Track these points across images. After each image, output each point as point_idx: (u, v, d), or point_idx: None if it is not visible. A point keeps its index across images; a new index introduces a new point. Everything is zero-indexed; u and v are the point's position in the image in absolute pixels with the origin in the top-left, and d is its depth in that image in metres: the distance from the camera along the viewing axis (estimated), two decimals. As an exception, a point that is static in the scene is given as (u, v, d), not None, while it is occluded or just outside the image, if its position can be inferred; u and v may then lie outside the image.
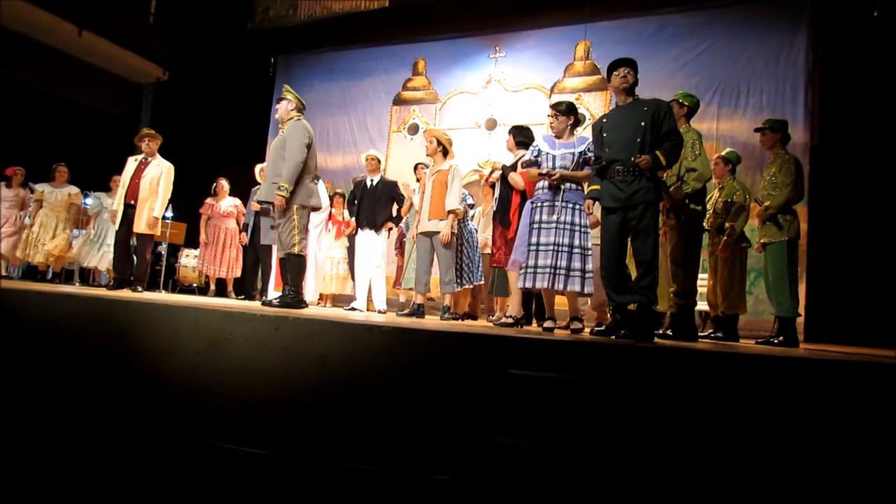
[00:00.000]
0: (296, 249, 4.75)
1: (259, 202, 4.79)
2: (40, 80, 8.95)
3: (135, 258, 6.24)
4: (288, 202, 4.70)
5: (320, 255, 7.17)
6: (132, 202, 6.05)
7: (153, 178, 6.10)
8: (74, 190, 7.72)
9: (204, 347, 3.30)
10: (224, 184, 7.90)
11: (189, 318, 3.44)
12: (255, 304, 5.54)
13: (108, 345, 3.55)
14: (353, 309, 6.27)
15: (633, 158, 3.64)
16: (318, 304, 7.44)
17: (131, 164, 6.22)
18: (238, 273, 7.88)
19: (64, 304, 3.87)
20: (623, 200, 3.67)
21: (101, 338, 3.59)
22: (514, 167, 4.91)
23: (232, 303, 5.61)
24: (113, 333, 3.55)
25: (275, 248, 6.57)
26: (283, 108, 4.98)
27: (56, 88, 9.15)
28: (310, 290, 6.84)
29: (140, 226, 6.02)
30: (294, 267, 4.81)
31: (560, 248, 3.99)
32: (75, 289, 5.73)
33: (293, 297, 4.75)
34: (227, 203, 7.86)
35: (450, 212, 5.26)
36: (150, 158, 6.21)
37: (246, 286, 7.71)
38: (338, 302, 7.71)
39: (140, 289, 6.02)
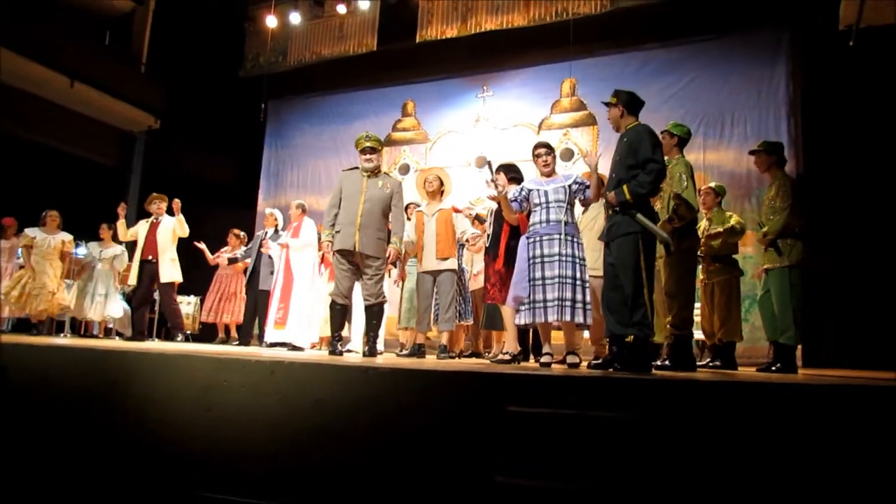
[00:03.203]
0: (384, 299, 5.07)
1: (361, 253, 4.93)
2: (32, 132, 8.99)
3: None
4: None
5: (315, 298, 7.13)
6: (150, 257, 6.90)
7: (167, 232, 6.95)
8: (67, 237, 7.45)
9: (199, 395, 3.26)
10: (232, 237, 8.16)
11: (183, 366, 3.41)
12: (250, 350, 5.49)
13: (103, 396, 3.51)
14: (350, 351, 6.22)
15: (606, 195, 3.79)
16: (314, 347, 7.39)
17: (143, 225, 7.09)
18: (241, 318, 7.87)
19: (57, 357, 3.83)
20: (605, 236, 3.83)
21: (96, 389, 3.54)
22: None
23: (226, 349, 5.57)
24: (107, 384, 3.51)
25: (275, 292, 6.56)
26: (378, 160, 5.11)
27: (48, 139, 9.19)
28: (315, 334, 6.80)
29: (164, 276, 6.87)
30: (380, 315, 5.11)
31: (564, 281, 4.01)
32: (68, 340, 5.68)
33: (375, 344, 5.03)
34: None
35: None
36: (160, 218, 7.03)
37: (243, 331, 7.65)
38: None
39: (181, 337, 7.01)
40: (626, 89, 4.02)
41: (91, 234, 7.95)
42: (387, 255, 4.94)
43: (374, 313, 4.99)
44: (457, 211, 5.64)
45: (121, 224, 7.18)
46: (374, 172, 5.05)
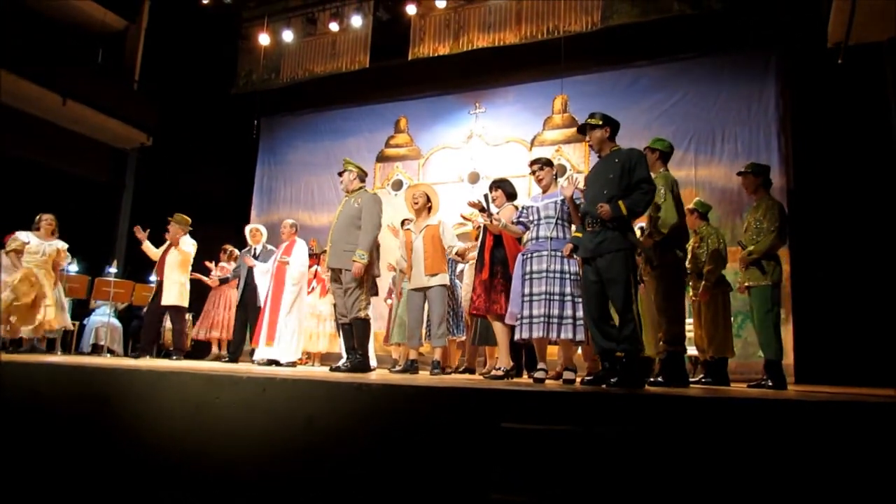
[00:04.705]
0: (363, 314, 4.93)
1: (330, 268, 5.10)
2: (24, 150, 8.96)
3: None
4: (365, 270, 4.93)
5: (305, 313, 7.10)
6: (160, 278, 6.94)
7: (174, 255, 6.93)
8: (63, 245, 6.79)
9: (190, 412, 3.23)
10: (222, 252, 8.27)
11: (175, 384, 3.38)
12: (241, 367, 5.45)
13: (93, 414, 3.47)
14: (340, 368, 6.18)
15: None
16: (304, 362, 7.35)
17: (164, 246, 7.13)
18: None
19: (47, 374, 3.79)
20: (591, 251, 3.74)
21: (86, 407, 3.51)
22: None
23: (218, 366, 5.53)
24: (98, 402, 3.48)
25: (265, 309, 6.52)
26: (347, 178, 5.22)
27: (40, 157, 9.16)
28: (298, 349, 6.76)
29: (164, 299, 6.85)
30: (361, 331, 4.97)
31: (552, 297, 4.01)
32: (58, 358, 5.63)
33: (363, 360, 4.92)
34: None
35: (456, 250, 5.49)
36: (177, 238, 6.99)
37: (233, 347, 7.57)
38: (327, 360, 7.61)
39: (175, 357, 6.93)
40: (601, 112, 3.98)
41: (83, 251, 7.91)
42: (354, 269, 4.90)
43: (358, 327, 4.94)
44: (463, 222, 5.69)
45: (146, 247, 7.21)
46: (353, 191, 5.18)
